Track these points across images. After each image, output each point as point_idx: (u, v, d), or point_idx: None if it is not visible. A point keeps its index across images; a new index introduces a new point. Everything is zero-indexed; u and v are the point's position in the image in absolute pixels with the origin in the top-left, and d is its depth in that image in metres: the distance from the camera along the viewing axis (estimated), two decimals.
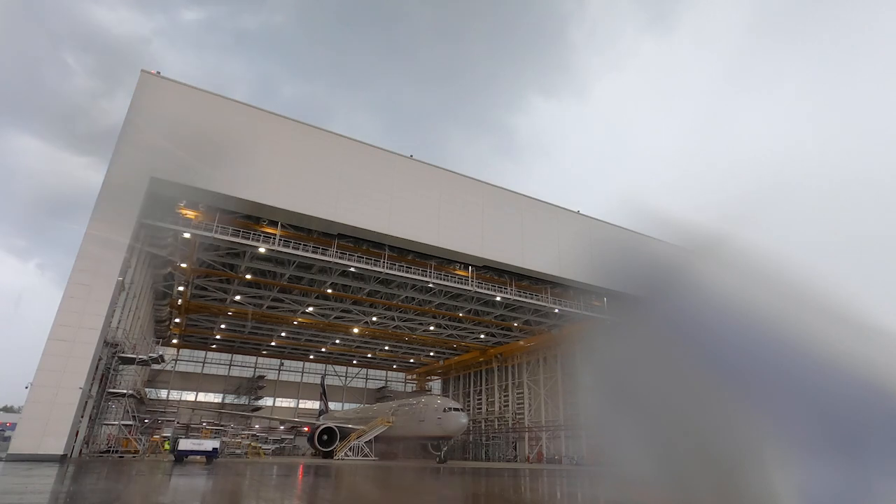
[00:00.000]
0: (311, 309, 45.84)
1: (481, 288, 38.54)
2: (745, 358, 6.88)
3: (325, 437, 45.64)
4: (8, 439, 24.91)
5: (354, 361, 73.55)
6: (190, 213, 30.02)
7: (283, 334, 57.07)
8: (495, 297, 39.69)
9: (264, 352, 67.54)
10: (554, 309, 42.03)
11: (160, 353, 37.80)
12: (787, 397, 6.23)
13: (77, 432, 23.64)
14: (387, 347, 63.36)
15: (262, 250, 31.29)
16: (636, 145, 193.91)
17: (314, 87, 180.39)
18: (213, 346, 64.41)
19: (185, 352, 64.98)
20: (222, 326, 54.55)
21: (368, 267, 34.19)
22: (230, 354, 67.78)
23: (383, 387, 76.75)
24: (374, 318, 48.86)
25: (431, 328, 51.98)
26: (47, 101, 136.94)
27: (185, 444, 26.98)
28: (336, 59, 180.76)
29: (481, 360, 62.97)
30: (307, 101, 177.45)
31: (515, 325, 49.71)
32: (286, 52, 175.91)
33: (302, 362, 71.69)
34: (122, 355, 28.44)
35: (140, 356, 30.47)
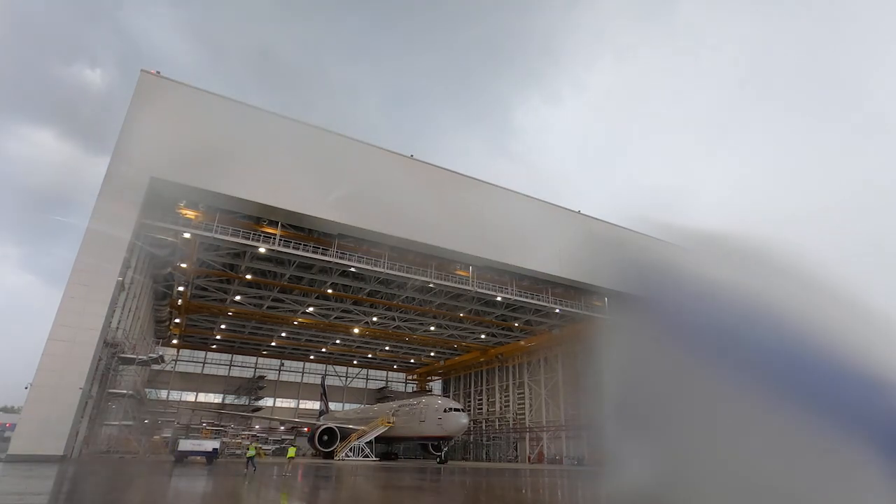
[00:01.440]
0: (311, 309, 45.77)
1: (482, 288, 38.46)
2: (743, 352, 6.85)
3: (326, 437, 45.57)
4: (8, 440, 24.82)
5: (355, 362, 73.46)
6: (190, 213, 29.96)
7: (283, 334, 57.00)
8: (496, 297, 39.60)
9: (264, 352, 67.46)
10: (555, 309, 41.95)
11: (160, 353, 37.77)
12: (785, 391, 6.17)
13: (77, 433, 23.57)
14: (387, 348, 63.29)
15: (262, 250, 31.22)
16: (631, 145, 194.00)
17: (310, 54, 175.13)
18: (213, 346, 64.33)
19: (185, 352, 64.88)
20: (222, 327, 54.48)
21: (369, 267, 34.13)
22: (230, 355, 67.70)
23: (384, 387, 76.66)
24: (375, 319, 48.79)
25: (432, 328, 51.90)
26: (48, 87, 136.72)
27: (184, 445, 26.94)
28: (333, 28, 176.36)
29: (482, 360, 62.87)
30: (302, 69, 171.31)
31: (516, 325, 49.62)
32: (280, 19, 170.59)
33: (302, 362, 71.60)
34: (122, 356, 28.36)
35: (140, 357, 30.41)
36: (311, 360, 71.34)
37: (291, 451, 20.40)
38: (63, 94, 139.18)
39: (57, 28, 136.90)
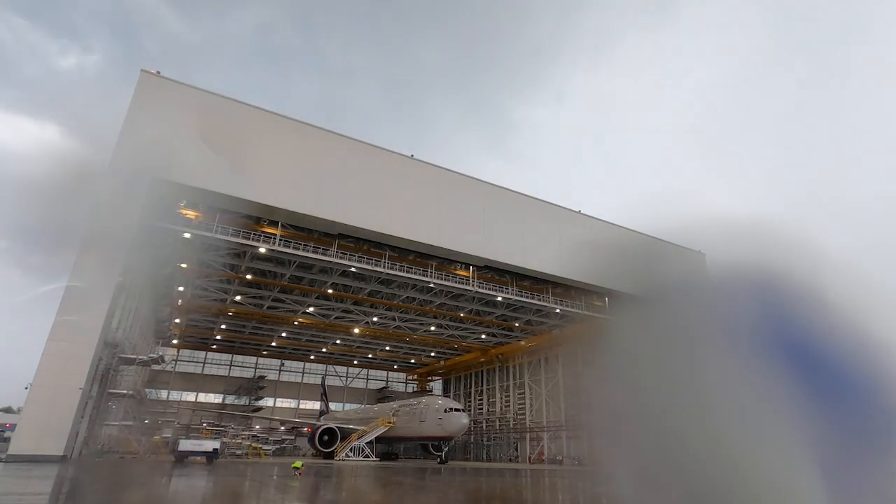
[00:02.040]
0: (311, 309, 45.74)
1: (482, 288, 38.44)
2: (743, 355, 6.83)
3: (326, 437, 45.56)
4: (8, 440, 24.83)
5: (355, 362, 73.41)
6: (190, 213, 29.95)
7: (283, 334, 56.95)
8: (496, 297, 39.58)
9: (265, 352, 67.40)
10: (555, 309, 41.92)
11: (160, 353, 37.72)
12: (787, 395, 6.16)
13: (77, 433, 23.57)
14: (388, 348, 63.25)
15: (262, 250, 31.22)
16: (631, 145, 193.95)
17: (308, 38, 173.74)
18: (214, 346, 64.27)
19: (185, 352, 64.82)
20: (223, 327, 54.44)
21: (369, 267, 34.11)
22: (230, 355, 67.66)
23: (384, 387, 76.62)
24: (375, 319, 48.75)
25: (432, 328, 51.86)
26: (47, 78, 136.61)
27: (185, 445, 26.94)
28: (332, 10, 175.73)
29: (482, 360, 62.80)
30: (300, 51, 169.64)
31: (517, 325, 49.59)
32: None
33: (302, 363, 71.53)
34: (123, 356, 28.34)
35: (140, 357, 30.39)
36: (312, 361, 71.29)
37: (297, 464, 20.46)
38: (63, 88, 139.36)
39: (53, 14, 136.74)
